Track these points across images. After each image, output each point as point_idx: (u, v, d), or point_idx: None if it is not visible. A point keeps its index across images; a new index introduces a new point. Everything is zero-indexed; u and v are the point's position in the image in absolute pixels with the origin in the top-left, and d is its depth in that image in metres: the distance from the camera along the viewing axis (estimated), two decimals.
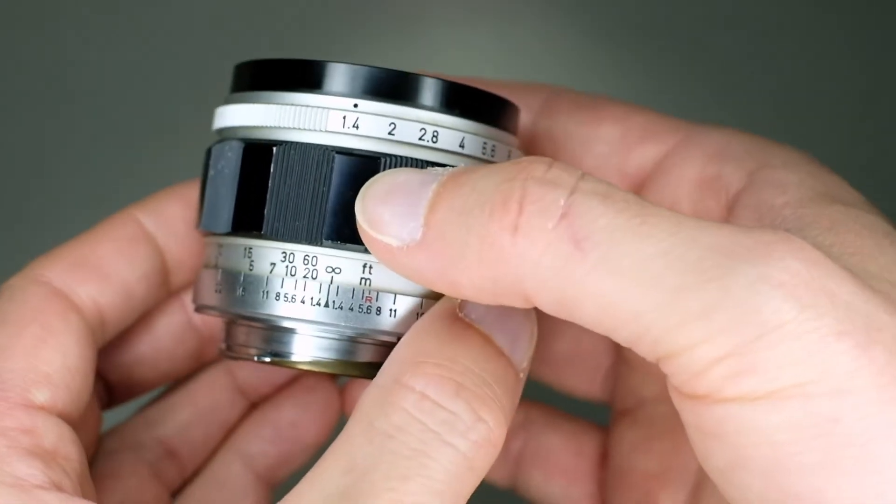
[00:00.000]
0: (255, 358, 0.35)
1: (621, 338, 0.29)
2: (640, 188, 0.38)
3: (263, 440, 0.41)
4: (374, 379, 0.32)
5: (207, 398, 0.41)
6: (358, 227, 0.32)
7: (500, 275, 0.30)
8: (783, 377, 0.28)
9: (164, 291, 0.39)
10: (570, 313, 0.29)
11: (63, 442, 0.33)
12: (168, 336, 0.40)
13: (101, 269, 0.37)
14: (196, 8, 0.73)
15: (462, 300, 0.33)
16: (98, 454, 0.39)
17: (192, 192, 0.39)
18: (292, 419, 0.41)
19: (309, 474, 0.31)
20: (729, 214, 0.35)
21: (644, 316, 0.28)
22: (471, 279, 0.30)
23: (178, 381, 0.41)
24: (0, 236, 0.69)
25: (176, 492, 0.41)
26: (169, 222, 0.38)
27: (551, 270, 0.29)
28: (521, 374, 0.33)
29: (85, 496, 0.33)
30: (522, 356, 0.33)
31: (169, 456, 0.40)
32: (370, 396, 0.32)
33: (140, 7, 0.73)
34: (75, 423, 0.34)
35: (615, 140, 0.38)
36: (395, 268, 0.32)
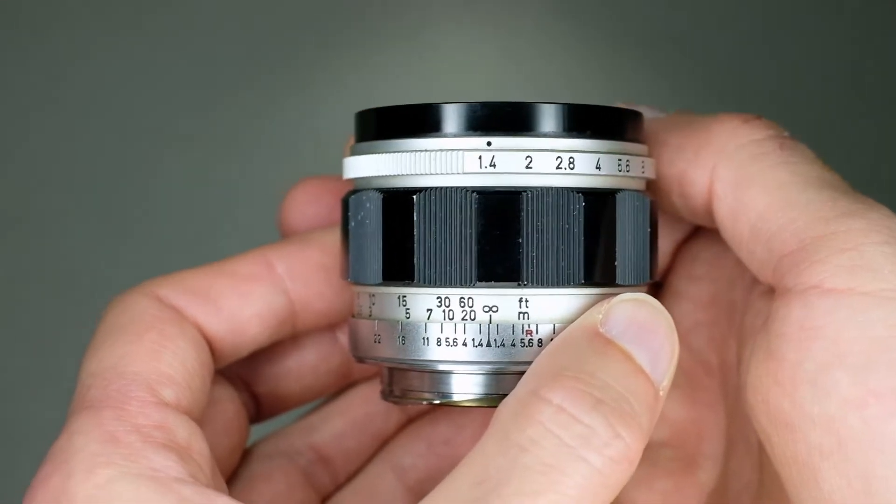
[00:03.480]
0: (424, 402, 0.35)
1: (765, 227, 0.34)
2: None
3: (416, 454, 0.42)
4: (513, 391, 0.32)
5: (363, 409, 0.42)
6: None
7: (702, 143, 0.35)
8: (893, 279, 0.32)
9: (285, 331, 0.39)
10: (736, 194, 0.35)
11: (195, 438, 0.34)
12: (313, 352, 0.41)
13: (212, 300, 0.37)
14: (196, 8, 0.73)
15: (604, 316, 0.33)
16: (252, 458, 0.40)
17: (328, 237, 0.39)
18: (446, 437, 0.42)
19: (443, 483, 0.31)
20: None
21: (794, 207, 0.33)
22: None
23: (332, 394, 0.42)
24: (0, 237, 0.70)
25: (326, 498, 0.41)
26: (300, 266, 0.39)
27: (754, 154, 0.35)
28: (661, 393, 0.33)
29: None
30: (663, 374, 0.33)
31: (322, 462, 0.41)
32: (507, 408, 0.32)
33: (140, 7, 0.73)
34: (198, 423, 0.35)
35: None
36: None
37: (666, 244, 0.40)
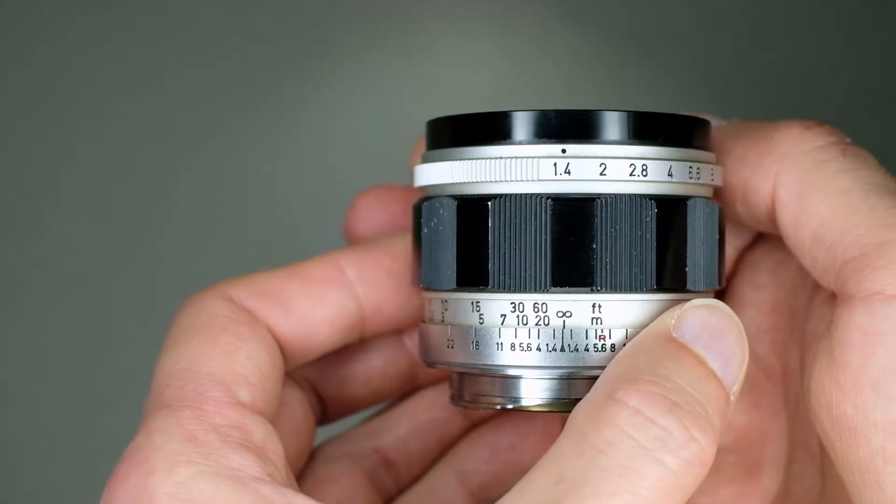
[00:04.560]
0: (497, 407, 0.36)
1: (828, 234, 0.34)
2: None
3: (480, 460, 0.42)
4: (588, 394, 0.33)
5: (427, 414, 0.42)
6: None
7: (765, 150, 0.36)
8: None
9: (354, 336, 0.39)
10: (799, 201, 0.35)
11: (270, 438, 0.34)
12: (380, 355, 0.41)
13: (284, 303, 0.38)
14: (196, 8, 0.73)
15: (677, 321, 0.33)
16: (317, 460, 0.41)
17: (397, 243, 0.39)
18: (511, 443, 0.42)
19: (518, 484, 0.32)
20: None
21: (857, 213, 0.34)
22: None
23: (397, 397, 0.42)
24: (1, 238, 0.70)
25: (389, 500, 0.42)
26: (371, 271, 0.39)
27: (817, 160, 0.35)
28: (732, 397, 0.33)
29: None
30: (734, 379, 0.34)
31: (386, 465, 0.41)
32: (583, 411, 0.32)
33: (139, 8, 0.73)
34: (271, 423, 0.36)
35: None
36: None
37: (729, 251, 0.41)
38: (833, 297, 0.35)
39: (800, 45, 0.73)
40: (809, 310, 0.38)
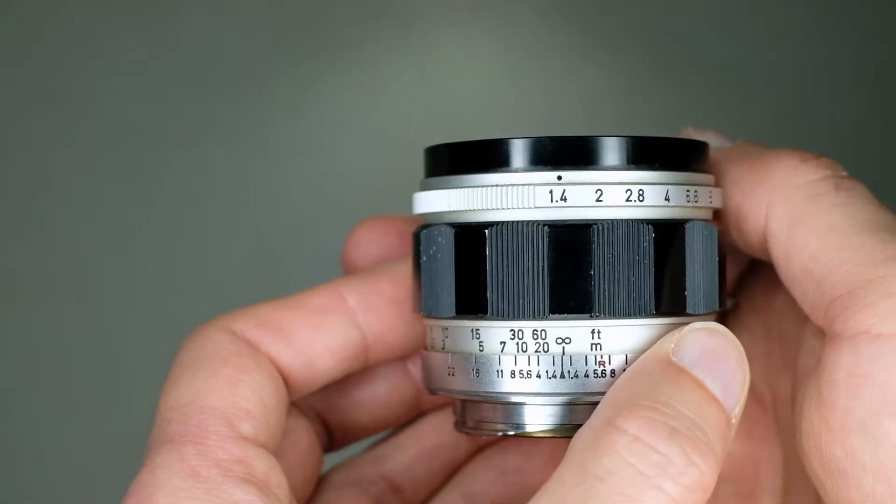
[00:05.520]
0: (498, 433, 0.36)
1: (817, 269, 0.34)
2: None
3: (487, 483, 0.42)
4: (588, 420, 0.33)
5: (433, 438, 0.42)
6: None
7: (759, 179, 0.36)
8: None
9: (358, 364, 0.39)
10: (790, 234, 0.35)
11: (273, 471, 0.34)
12: (385, 383, 0.41)
13: (286, 334, 0.38)
14: (195, 7, 0.74)
15: (676, 345, 0.33)
16: (324, 488, 0.41)
17: (398, 269, 0.39)
18: (517, 466, 0.42)
19: None
20: None
21: (846, 250, 0.34)
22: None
23: (402, 424, 0.42)
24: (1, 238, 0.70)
25: None
26: (372, 299, 0.39)
27: (809, 194, 0.35)
28: (733, 420, 0.33)
29: None
30: (734, 402, 0.34)
31: (393, 491, 0.41)
32: (582, 438, 0.32)
33: (139, 8, 0.73)
34: (274, 456, 0.36)
35: None
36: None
37: (732, 273, 0.40)
38: (822, 331, 0.35)
39: (800, 44, 0.72)
40: (801, 340, 0.38)
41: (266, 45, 0.74)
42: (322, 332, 0.38)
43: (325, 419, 0.41)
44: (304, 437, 0.39)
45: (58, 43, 0.73)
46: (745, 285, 0.41)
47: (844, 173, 0.36)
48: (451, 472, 0.42)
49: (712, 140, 0.38)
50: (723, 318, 0.41)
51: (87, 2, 0.73)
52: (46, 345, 0.75)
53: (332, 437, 0.41)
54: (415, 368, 0.41)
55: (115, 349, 0.74)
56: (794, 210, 0.35)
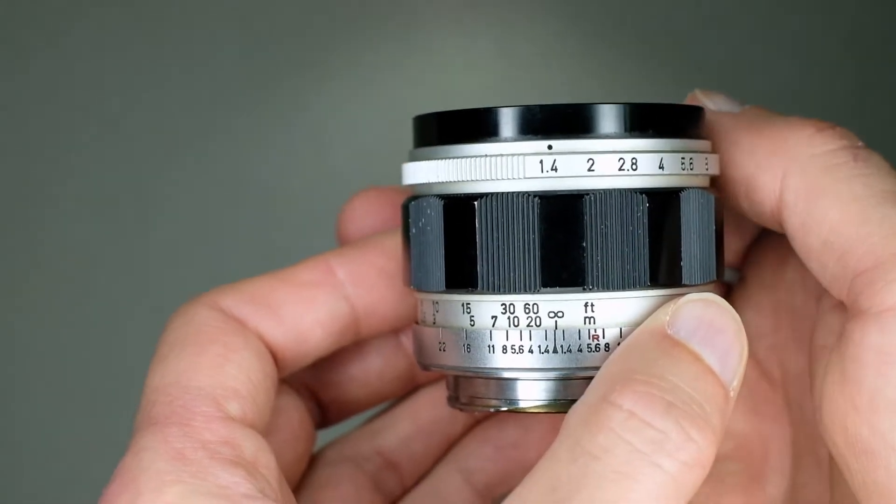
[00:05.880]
0: (491, 409, 0.35)
1: (838, 242, 0.33)
2: None
3: (484, 458, 0.41)
4: (582, 396, 0.32)
5: (429, 413, 0.41)
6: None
7: (773, 148, 0.34)
8: None
9: (349, 338, 0.39)
10: (808, 205, 0.34)
11: (262, 452, 0.34)
12: (378, 356, 0.41)
13: (274, 309, 0.37)
14: (195, 7, 0.73)
15: (671, 317, 0.32)
16: (318, 465, 0.40)
17: (389, 241, 0.39)
18: (514, 440, 0.42)
19: (515, 492, 0.31)
20: None
21: (870, 222, 0.33)
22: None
23: (397, 398, 0.42)
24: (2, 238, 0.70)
25: (394, 501, 0.41)
26: (362, 271, 0.38)
27: (827, 165, 0.34)
28: (732, 393, 0.32)
29: None
30: (732, 375, 0.33)
31: (389, 467, 0.41)
32: (577, 414, 0.32)
33: (139, 9, 0.73)
34: (263, 436, 0.35)
35: None
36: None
37: (736, 246, 0.39)
38: (842, 306, 0.34)
39: (800, 44, 0.72)
40: (816, 316, 0.37)
41: (266, 46, 0.74)
42: (311, 306, 0.37)
43: (316, 395, 0.40)
44: (295, 414, 0.39)
45: (58, 43, 0.72)
46: (752, 258, 0.39)
47: (860, 143, 0.35)
48: (447, 447, 0.42)
49: (721, 104, 0.37)
50: (727, 292, 0.40)
51: (87, 2, 0.72)
52: (46, 345, 0.74)
53: (326, 413, 0.41)
54: (408, 341, 0.40)
55: (115, 348, 0.73)
56: (811, 180, 0.34)
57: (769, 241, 0.39)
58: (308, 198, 0.72)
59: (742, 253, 0.40)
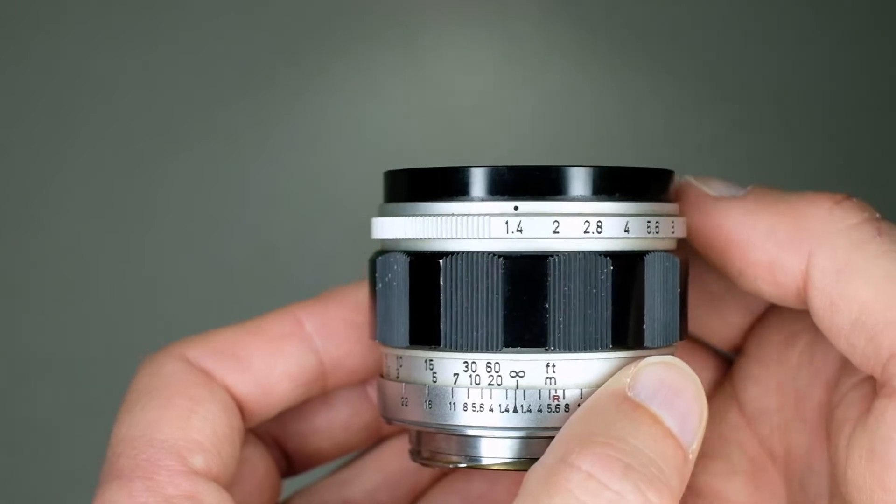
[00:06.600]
0: (452, 465, 0.35)
1: (870, 322, 0.33)
2: None
3: None
4: (542, 458, 0.32)
5: (396, 464, 0.41)
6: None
7: (795, 228, 0.35)
8: None
9: (316, 390, 0.39)
10: (837, 284, 0.34)
11: None
12: (345, 407, 0.41)
13: (242, 361, 0.37)
14: (195, 8, 0.73)
15: (632, 379, 0.33)
16: None
17: (356, 293, 0.39)
18: (481, 492, 0.42)
19: None
20: None
21: None
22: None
23: (364, 449, 0.42)
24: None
25: None
26: (330, 324, 0.39)
27: (854, 241, 0.34)
28: (691, 455, 0.33)
29: None
30: (692, 437, 0.33)
31: None
32: (536, 474, 0.32)
33: (139, 9, 0.73)
34: (227, 488, 0.35)
35: None
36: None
37: (740, 322, 0.40)
38: (867, 381, 0.34)
39: (800, 44, 0.72)
40: (832, 393, 0.37)
41: (266, 46, 0.74)
42: (279, 358, 0.38)
43: (283, 445, 0.40)
44: (261, 463, 0.39)
45: (58, 43, 0.73)
46: (757, 335, 0.39)
47: (878, 214, 0.35)
48: (414, 498, 0.42)
49: (721, 189, 0.37)
50: (728, 367, 0.40)
51: (87, 2, 0.73)
52: (47, 345, 0.74)
53: (292, 462, 0.41)
54: (374, 393, 0.40)
55: (115, 348, 0.73)
56: (840, 259, 0.34)
57: (775, 319, 0.39)
58: (308, 198, 0.73)
59: (746, 329, 0.40)
